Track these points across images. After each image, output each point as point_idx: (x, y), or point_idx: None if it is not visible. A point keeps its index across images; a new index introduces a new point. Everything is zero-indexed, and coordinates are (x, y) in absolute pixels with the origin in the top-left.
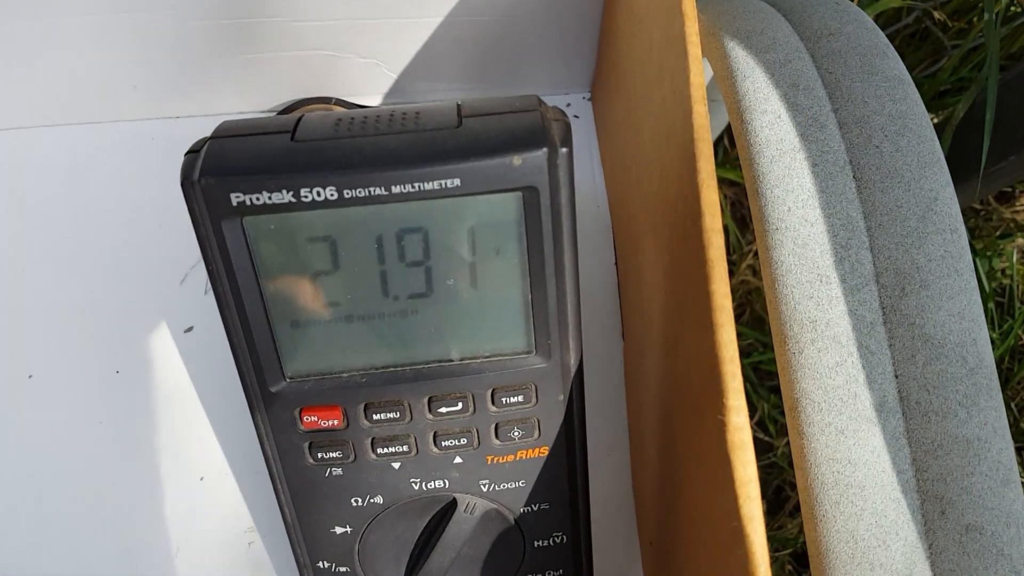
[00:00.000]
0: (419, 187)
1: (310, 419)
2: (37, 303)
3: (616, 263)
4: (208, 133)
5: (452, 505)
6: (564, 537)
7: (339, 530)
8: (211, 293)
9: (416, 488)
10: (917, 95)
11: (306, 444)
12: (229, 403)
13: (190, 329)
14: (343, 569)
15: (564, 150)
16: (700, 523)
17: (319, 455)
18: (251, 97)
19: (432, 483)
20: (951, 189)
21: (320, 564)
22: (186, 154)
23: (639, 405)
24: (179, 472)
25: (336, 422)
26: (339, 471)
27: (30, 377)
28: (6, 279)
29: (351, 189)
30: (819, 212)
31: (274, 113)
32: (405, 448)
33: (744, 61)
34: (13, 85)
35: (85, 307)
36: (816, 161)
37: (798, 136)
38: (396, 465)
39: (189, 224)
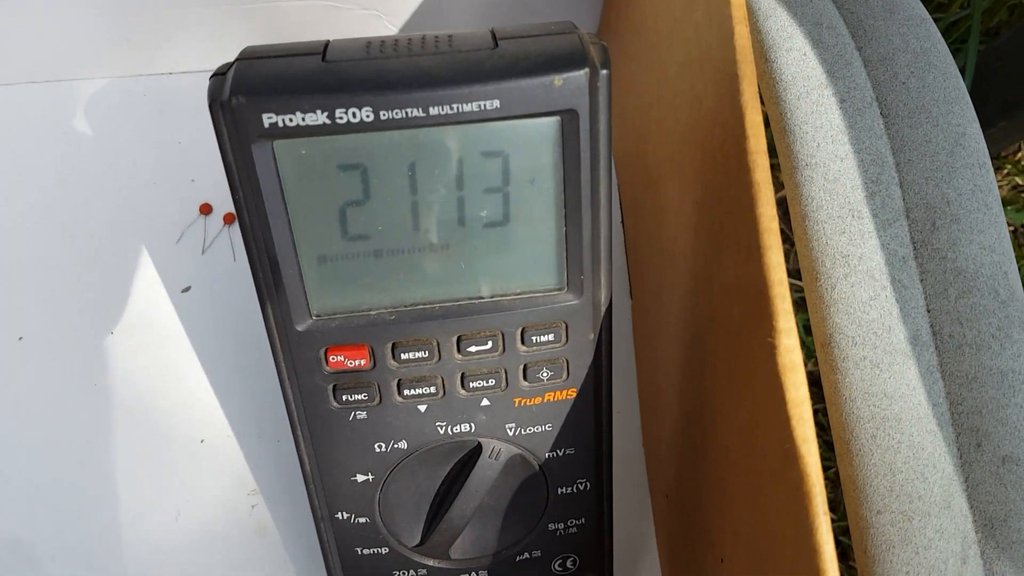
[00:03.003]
0: (457, 109)
1: (336, 359)
2: (28, 264)
3: (623, 221)
4: (199, 88)
5: (477, 451)
6: (588, 484)
7: (360, 478)
8: (209, 253)
9: (441, 432)
10: (939, 34)
11: (330, 386)
12: (229, 364)
13: (187, 289)
14: (362, 520)
15: (604, 72)
16: (738, 459)
17: (344, 398)
18: None
19: (458, 427)
20: (977, 125)
21: (339, 515)
22: (211, 76)
23: (652, 361)
24: (179, 434)
25: (363, 362)
26: (363, 415)
27: (20, 339)
28: None
29: (387, 110)
30: (849, 148)
31: None
32: (432, 390)
33: (765, 1)
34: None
35: (78, 267)
36: (844, 98)
37: (825, 73)
38: (422, 408)
39: (185, 182)
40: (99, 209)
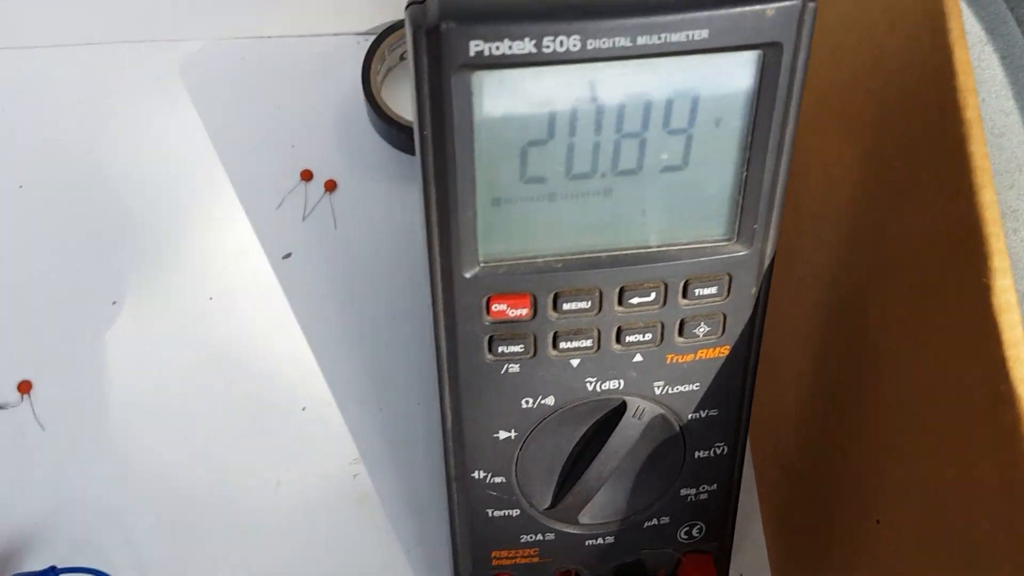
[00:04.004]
0: (664, 39)
1: (498, 308)
2: (125, 227)
3: None
4: (299, 53)
5: (620, 410)
6: (725, 448)
7: (503, 435)
8: (309, 220)
9: (590, 389)
10: None
11: (487, 337)
12: (329, 333)
13: (288, 256)
14: (499, 480)
15: (812, 4)
16: (918, 412)
17: (500, 349)
18: (346, 18)
19: (607, 383)
20: None
21: (475, 474)
22: (408, 6)
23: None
24: (279, 402)
25: (524, 312)
26: (516, 368)
27: (113, 303)
28: (93, 204)
29: (595, 39)
30: (1013, 103)
31: (371, 38)
32: (587, 343)
33: None
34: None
35: (177, 231)
36: (1004, 54)
37: (984, 30)
38: (575, 362)
39: (285, 148)
40: (199, 173)
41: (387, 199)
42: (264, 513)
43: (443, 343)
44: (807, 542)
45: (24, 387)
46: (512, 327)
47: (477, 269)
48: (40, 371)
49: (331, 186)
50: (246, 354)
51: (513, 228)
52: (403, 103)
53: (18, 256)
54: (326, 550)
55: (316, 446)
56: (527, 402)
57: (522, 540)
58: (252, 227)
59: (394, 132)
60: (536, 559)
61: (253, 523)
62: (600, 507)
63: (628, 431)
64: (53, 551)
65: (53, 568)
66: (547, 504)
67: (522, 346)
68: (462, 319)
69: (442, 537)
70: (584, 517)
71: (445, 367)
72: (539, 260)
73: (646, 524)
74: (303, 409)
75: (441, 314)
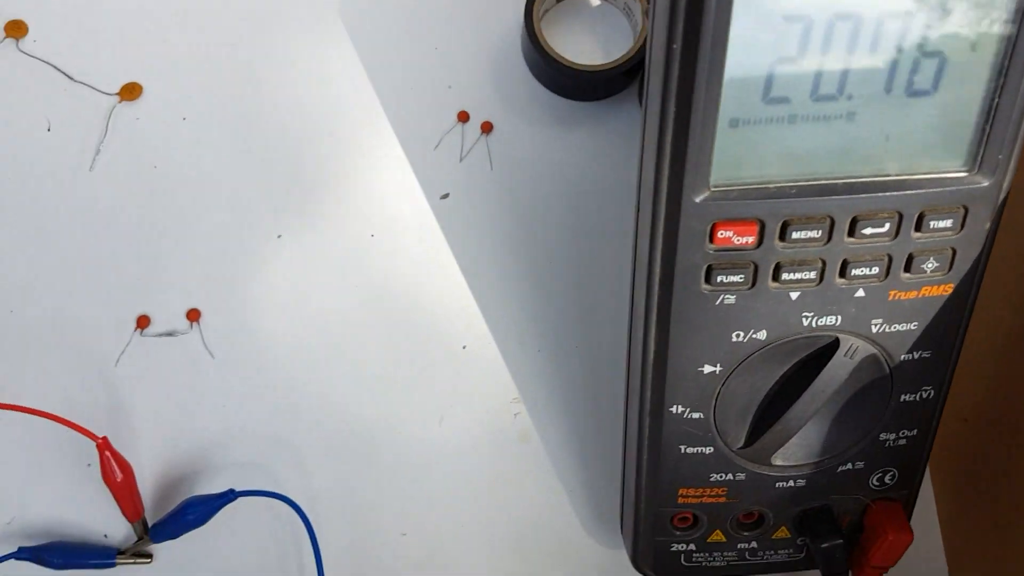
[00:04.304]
0: None
1: (723, 235)
2: (286, 163)
3: None
4: None
5: (831, 348)
6: (931, 392)
7: (708, 369)
8: (466, 161)
9: (805, 324)
10: None
11: (706, 266)
12: (488, 273)
13: (446, 196)
14: (696, 416)
15: None
16: None
17: (718, 279)
18: None
19: (824, 319)
20: None
21: (673, 408)
22: None
23: None
24: (440, 340)
25: (750, 239)
26: (732, 299)
27: (279, 237)
28: (256, 138)
29: None
30: None
31: None
32: (810, 275)
33: None
34: None
35: (335, 168)
36: None
37: None
38: (794, 295)
39: (442, 88)
40: (358, 111)
41: (544, 142)
42: (427, 447)
43: (657, 271)
44: (983, 497)
45: (193, 315)
46: (734, 256)
47: (706, 194)
48: (208, 301)
49: (488, 128)
50: (407, 291)
51: (749, 151)
52: (564, 44)
53: (185, 186)
54: (488, 487)
55: (477, 384)
56: (738, 335)
57: (711, 479)
58: (410, 166)
59: (554, 74)
60: (723, 499)
61: (417, 456)
62: (795, 449)
63: (837, 370)
64: (226, 475)
65: (231, 491)
66: (741, 443)
67: (742, 276)
68: (683, 246)
69: (607, 480)
70: (778, 459)
71: (656, 297)
72: (771, 186)
73: (839, 468)
74: (463, 347)
75: (660, 241)
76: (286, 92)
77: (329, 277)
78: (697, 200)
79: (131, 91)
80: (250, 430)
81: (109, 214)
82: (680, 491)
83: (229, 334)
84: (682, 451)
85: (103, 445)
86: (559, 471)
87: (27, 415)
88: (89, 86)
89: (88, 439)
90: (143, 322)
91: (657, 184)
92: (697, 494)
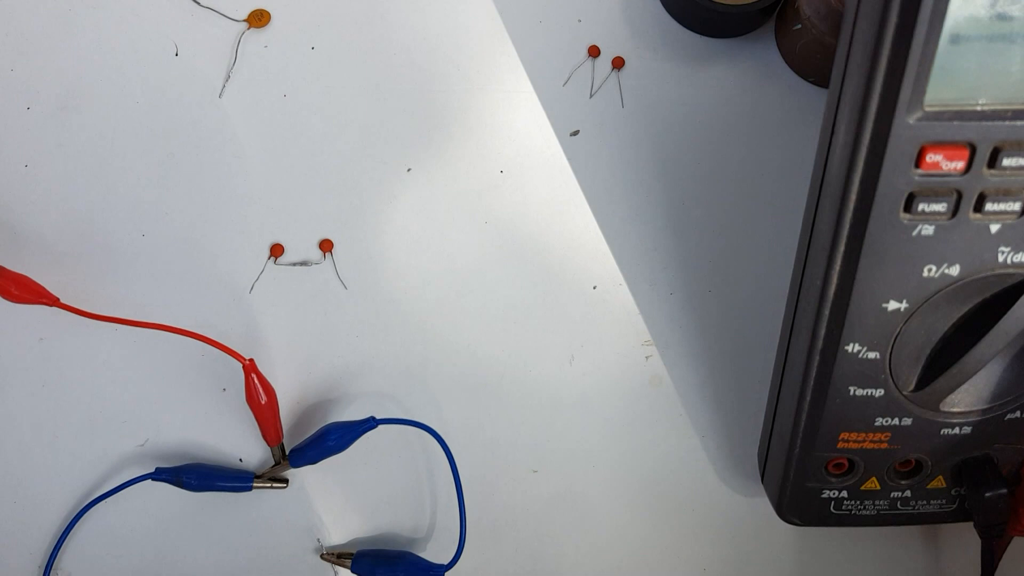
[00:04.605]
0: None
1: (932, 159)
2: (418, 96)
3: None
4: None
5: (1020, 288)
6: None
7: (892, 306)
8: (596, 97)
9: (1000, 260)
10: None
11: (908, 193)
12: (619, 213)
13: (576, 133)
14: (872, 355)
15: None
16: None
17: (919, 207)
18: None
19: (1021, 255)
20: None
21: (849, 347)
22: None
23: None
24: (571, 279)
25: (959, 165)
26: (930, 230)
27: (408, 170)
28: (385, 70)
29: None
30: None
31: None
32: (1015, 207)
33: None
34: None
35: (467, 104)
36: None
37: None
38: (993, 228)
39: (571, 22)
40: (486, 45)
41: (677, 80)
42: (558, 386)
43: (852, 200)
44: None
45: (326, 246)
46: (939, 182)
47: (919, 114)
48: (339, 232)
49: (619, 63)
50: (536, 228)
51: (967, 71)
52: None
53: (314, 115)
54: (618, 429)
55: (607, 325)
56: (929, 270)
57: (876, 423)
58: (539, 102)
59: (691, 9)
60: (884, 445)
61: (547, 395)
62: (966, 394)
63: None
64: (358, 405)
65: (372, 418)
66: (912, 387)
67: (944, 205)
68: (887, 172)
69: (742, 427)
70: (947, 404)
71: (847, 227)
72: (986, 108)
73: (1007, 416)
74: (594, 288)
75: (860, 167)
76: (414, 24)
77: (458, 212)
78: (910, 121)
79: (259, 18)
80: (381, 362)
81: (239, 141)
82: (841, 435)
83: (360, 266)
84: (851, 393)
85: (250, 367)
86: (692, 416)
87: (165, 338)
88: (216, 11)
89: (228, 363)
90: (277, 251)
91: (865, 105)
92: (859, 439)
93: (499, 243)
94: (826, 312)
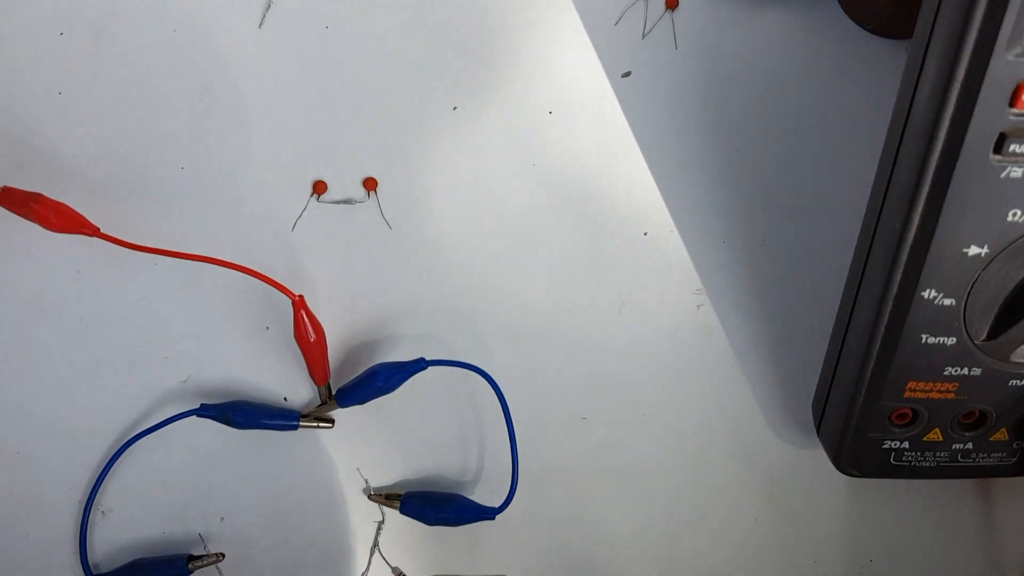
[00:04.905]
0: None
1: None
2: (464, 33)
3: None
4: None
5: None
6: None
7: (973, 251)
8: (648, 38)
9: None
10: None
11: (998, 133)
12: (671, 158)
13: (627, 74)
14: (948, 302)
15: None
16: None
17: (1010, 148)
18: None
19: None
20: None
21: (925, 293)
22: None
23: None
24: (621, 224)
25: None
26: (1019, 172)
27: (455, 109)
28: (432, 6)
29: None
30: None
31: None
32: None
33: None
34: None
35: (515, 42)
36: None
37: None
38: None
39: None
40: None
41: (733, 23)
42: (607, 333)
43: (940, 139)
44: None
45: (370, 184)
46: None
47: (1018, 50)
48: (385, 171)
49: (673, 4)
50: (585, 172)
51: None
52: None
53: (358, 49)
54: (668, 378)
55: (658, 273)
56: (1015, 214)
57: (945, 373)
58: (590, 41)
59: None
60: (951, 395)
61: (596, 341)
62: None
63: None
64: (405, 347)
65: (422, 359)
66: (984, 336)
67: None
68: (981, 110)
69: (794, 378)
70: (1017, 355)
71: (932, 168)
72: None
73: None
74: (644, 234)
75: (951, 105)
76: None
77: (505, 153)
78: (1009, 57)
79: None
80: (427, 304)
81: (280, 74)
82: (909, 384)
83: (405, 206)
84: (922, 340)
85: (299, 304)
86: (744, 366)
87: (206, 275)
88: None
89: (272, 300)
90: (320, 188)
91: (961, 42)
92: (926, 388)
93: (546, 186)
94: (903, 257)
